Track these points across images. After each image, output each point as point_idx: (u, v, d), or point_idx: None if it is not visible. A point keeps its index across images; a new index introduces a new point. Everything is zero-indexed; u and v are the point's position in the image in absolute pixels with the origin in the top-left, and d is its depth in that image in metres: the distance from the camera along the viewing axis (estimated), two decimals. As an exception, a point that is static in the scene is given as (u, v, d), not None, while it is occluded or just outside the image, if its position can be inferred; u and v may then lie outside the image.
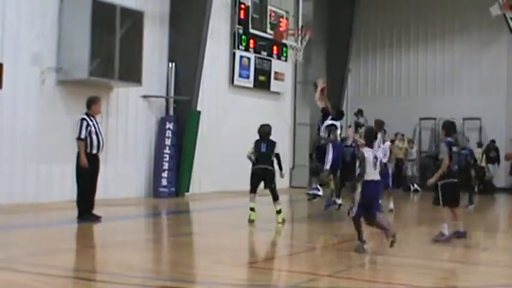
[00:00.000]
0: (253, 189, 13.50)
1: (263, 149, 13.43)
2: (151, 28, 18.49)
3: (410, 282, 8.12)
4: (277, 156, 13.51)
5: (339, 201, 15.01)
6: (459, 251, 11.21)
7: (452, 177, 11.34)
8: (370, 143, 10.13)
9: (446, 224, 11.31)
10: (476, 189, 19.62)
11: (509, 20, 22.65)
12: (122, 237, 11.28)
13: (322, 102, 14.95)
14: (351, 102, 28.42)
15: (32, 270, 8.00)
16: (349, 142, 15.81)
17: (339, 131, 14.80)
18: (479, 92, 26.43)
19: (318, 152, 15.02)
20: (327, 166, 14.25)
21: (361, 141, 14.41)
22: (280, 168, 13.59)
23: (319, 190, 14.74)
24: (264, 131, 13.60)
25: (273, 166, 13.48)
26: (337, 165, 14.62)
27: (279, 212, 13.28)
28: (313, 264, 9.38)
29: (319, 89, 15.10)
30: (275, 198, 13.37)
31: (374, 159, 9.83)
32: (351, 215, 10.94)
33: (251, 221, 13.21)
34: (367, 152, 9.89)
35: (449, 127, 11.71)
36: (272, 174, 13.45)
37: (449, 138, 11.48)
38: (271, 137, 13.58)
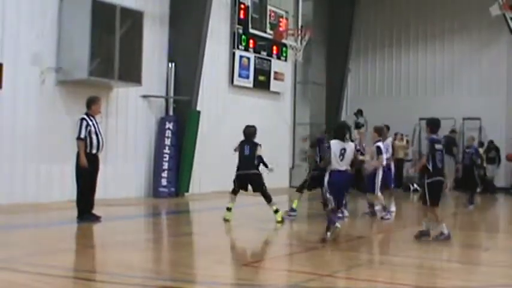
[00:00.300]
0: (234, 191, 13.47)
1: (246, 151, 13.29)
2: (151, 28, 18.49)
3: (411, 282, 8.13)
4: (259, 158, 13.29)
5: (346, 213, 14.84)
6: (459, 250, 11.22)
7: (438, 175, 11.26)
8: (341, 138, 10.82)
9: (444, 224, 11.27)
10: (478, 189, 19.58)
11: (509, 20, 22.66)
12: (122, 237, 11.27)
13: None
14: (351, 102, 28.45)
15: (31, 270, 7.99)
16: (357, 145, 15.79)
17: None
18: (479, 92, 26.44)
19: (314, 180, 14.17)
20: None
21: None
22: (266, 166, 13.48)
23: (294, 211, 14.55)
24: (249, 132, 13.44)
25: (257, 169, 13.33)
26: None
27: (276, 211, 13.27)
28: (313, 264, 9.37)
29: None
30: (268, 200, 13.30)
31: (341, 150, 10.57)
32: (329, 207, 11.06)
33: (226, 220, 13.20)
34: (334, 145, 10.66)
35: (433, 124, 11.63)
36: (257, 177, 13.30)
37: (434, 136, 11.45)
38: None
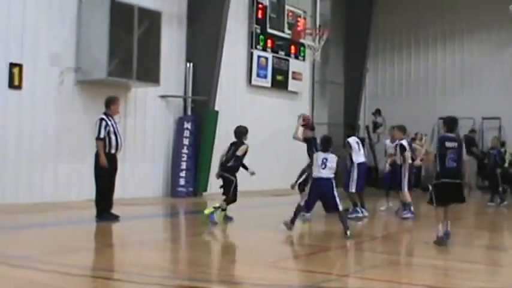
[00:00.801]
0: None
1: (230, 152, 13.21)
2: (169, 28, 18.53)
3: (430, 283, 8.08)
4: (236, 158, 13.06)
5: (365, 212, 14.84)
6: (480, 251, 11.14)
7: (444, 177, 10.70)
8: (325, 149, 11.66)
9: (440, 225, 10.81)
10: (501, 189, 19.60)
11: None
12: (140, 237, 11.30)
13: (302, 136, 14.27)
14: (369, 102, 28.33)
15: (51, 268, 8.04)
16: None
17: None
18: (498, 92, 26.19)
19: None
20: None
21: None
22: (245, 168, 13.42)
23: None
24: (238, 132, 13.32)
25: (230, 172, 13.10)
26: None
27: (216, 208, 12.97)
28: (330, 264, 9.36)
29: (299, 125, 14.31)
30: (226, 202, 13.14)
31: (323, 159, 11.41)
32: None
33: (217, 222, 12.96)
34: (318, 155, 11.58)
35: (451, 122, 11.17)
36: (227, 182, 13.12)
37: (449, 134, 10.99)
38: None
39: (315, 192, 11.53)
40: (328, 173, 11.44)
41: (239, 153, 13.09)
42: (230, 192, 13.09)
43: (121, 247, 10.78)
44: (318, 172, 11.49)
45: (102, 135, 12.60)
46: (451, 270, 9.07)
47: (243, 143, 13.20)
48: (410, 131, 26.07)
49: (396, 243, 12.12)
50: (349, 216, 13.79)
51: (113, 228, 12.38)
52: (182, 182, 18.91)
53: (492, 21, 25.91)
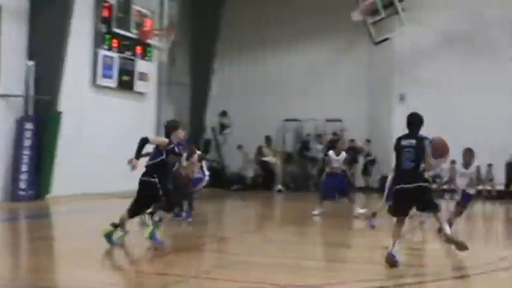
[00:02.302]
0: None
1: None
2: (8, 24, 17.74)
3: (273, 281, 8.17)
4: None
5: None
6: (322, 249, 11.42)
7: (400, 181, 9.56)
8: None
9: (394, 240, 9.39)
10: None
11: (369, 26, 23.45)
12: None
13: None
14: (216, 103, 28.36)
15: None
16: None
17: None
18: (341, 94, 27.01)
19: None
20: None
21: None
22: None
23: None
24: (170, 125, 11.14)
25: (151, 176, 10.59)
26: None
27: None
28: (180, 266, 9.27)
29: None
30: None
31: None
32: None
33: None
34: None
35: (410, 118, 9.67)
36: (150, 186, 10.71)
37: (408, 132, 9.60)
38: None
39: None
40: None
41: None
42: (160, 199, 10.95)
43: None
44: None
45: None
46: (295, 268, 9.24)
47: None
48: (258, 132, 26.79)
49: (241, 243, 12.22)
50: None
51: None
52: (23, 185, 18.14)
53: (338, 24, 26.57)
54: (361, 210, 15.95)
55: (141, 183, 10.57)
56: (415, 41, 25.12)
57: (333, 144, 19.59)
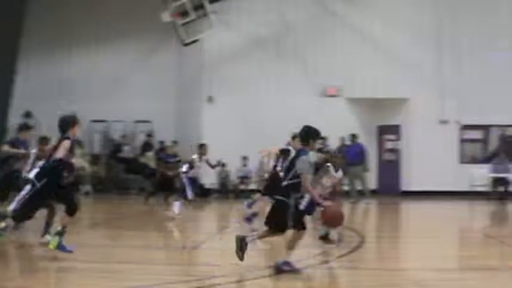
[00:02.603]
0: None
1: None
2: None
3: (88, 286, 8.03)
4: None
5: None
6: (138, 252, 11.34)
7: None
8: None
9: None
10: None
11: (179, 27, 23.61)
12: None
13: None
14: (20, 104, 27.18)
15: None
16: None
17: None
18: (150, 96, 26.89)
19: None
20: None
21: None
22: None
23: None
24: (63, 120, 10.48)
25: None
26: None
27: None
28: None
29: None
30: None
31: None
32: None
33: None
34: None
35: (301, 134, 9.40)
36: None
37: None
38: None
39: None
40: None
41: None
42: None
43: None
44: None
45: None
46: (108, 272, 9.13)
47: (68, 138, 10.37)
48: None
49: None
50: None
51: None
52: None
53: (146, 25, 26.46)
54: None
55: None
56: (224, 43, 25.64)
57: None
